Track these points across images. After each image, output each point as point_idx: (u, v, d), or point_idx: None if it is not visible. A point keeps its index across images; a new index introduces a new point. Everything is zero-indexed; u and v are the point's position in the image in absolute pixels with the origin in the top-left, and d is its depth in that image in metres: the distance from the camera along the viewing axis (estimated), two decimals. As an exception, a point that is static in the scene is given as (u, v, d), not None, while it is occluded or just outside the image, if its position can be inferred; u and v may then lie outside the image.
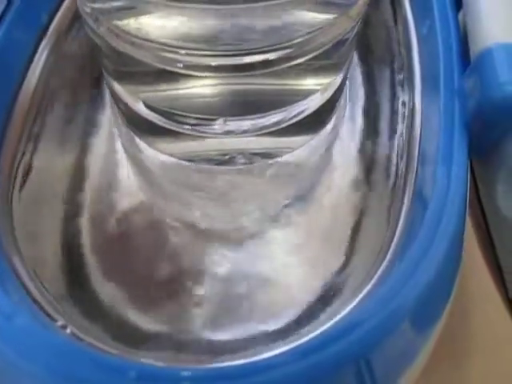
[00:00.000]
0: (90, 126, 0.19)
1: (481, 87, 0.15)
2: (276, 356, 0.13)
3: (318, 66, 0.18)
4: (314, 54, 0.16)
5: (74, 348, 0.12)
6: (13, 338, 0.12)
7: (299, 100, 0.18)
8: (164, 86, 0.17)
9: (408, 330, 0.14)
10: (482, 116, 0.16)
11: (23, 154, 0.17)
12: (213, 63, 0.16)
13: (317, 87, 0.18)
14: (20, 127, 0.18)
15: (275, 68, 0.16)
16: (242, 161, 0.19)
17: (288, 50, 0.16)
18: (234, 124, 0.17)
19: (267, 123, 0.18)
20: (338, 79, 0.19)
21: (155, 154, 0.19)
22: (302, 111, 0.18)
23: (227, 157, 0.18)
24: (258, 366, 0.13)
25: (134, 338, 0.16)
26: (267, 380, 0.12)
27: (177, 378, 0.12)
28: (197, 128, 0.17)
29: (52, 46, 0.19)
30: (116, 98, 0.19)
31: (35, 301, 0.15)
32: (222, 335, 0.16)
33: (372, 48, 0.21)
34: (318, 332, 0.15)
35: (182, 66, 0.16)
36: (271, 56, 0.16)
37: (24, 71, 0.18)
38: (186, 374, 0.12)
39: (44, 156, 0.18)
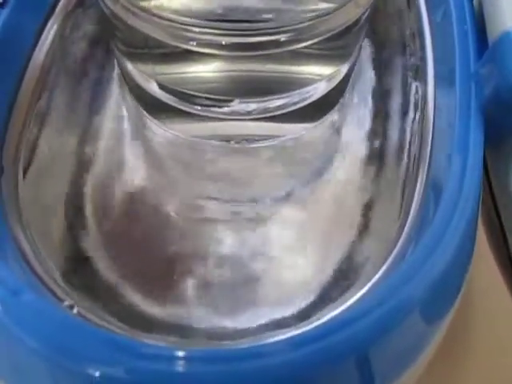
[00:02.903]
0: (96, 105, 0.19)
1: (498, 72, 0.15)
2: (268, 344, 0.13)
3: (325, 54, 0.18)
4: (322, 38, 0.17)
5: (81, 326, 0.12)
6: (19, 313, 0.12)
7: (304, 87, 0.18)
8: (177, 67, 0.17)
9: (416, 322, 0.14)
10: (498, 102, 0.15)
11: (30, 131, 0.17)
12: (223, 42, 0.16)
13: (322, 76, 0.18)
14: (27, 106, 0.17)
15: (282, 49, 0.16)
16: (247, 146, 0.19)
17: (294, 33, 0.16)
18: (241, 105, 0.17)
19: (271, 106, 0.18)
20: (344, 69, 0.19)
21: (163, 134, 0.19)
22: (306, 98, 0.18)
23: (233, 141, 0.19)
24: (247, 352, 0.12)
25: (139, 320, 0.15)
26: (255, 367, 0.12)
27: (173, 357, 0.12)
28: (207, 109, 0.17)
29: (59, 24, 0.19)
30: (127, 78, 0.19)
31: (42, 281, 0.15)
32: (228, 320, 0.16)
33: (383, 34, 0.21)
34: (324, 320, 0.15)
35: (195, 43, 0.16)
36: (278, 38, 0.16)
37: (31, 50, 0.18)
38: (179, 353, 0.12)
39: (50, 134, 0.18)
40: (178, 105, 0.18)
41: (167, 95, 0.18)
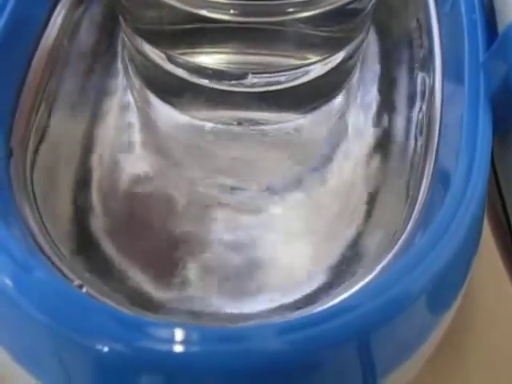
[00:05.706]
0: (105, 89, 0.19)
1: (508, 61, 0.15)
2: (255, 327, 0.13)
3: (323, 36, 0.18)
4: (327, 9, 0.17)
5: (91, 303, 0.12)
6: (30, 289, 0.12)
7: (301, 67, 0.18)
8: (188, 45, 0.18)
9: (420, 311, 0.14)
10: (507, 92, 0.15)
11: (39, 114, 0.17)
12: (231, 10, 0.16)
13: (319, 58, 0.18)
14: (35, 89, 0.17)
15: (287, 17, 0.17)
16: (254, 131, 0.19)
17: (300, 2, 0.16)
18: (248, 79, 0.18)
19: (272, 80, 0.18)
20: (342, 53, 0.19)
21: (170, 115, 0.19)
22: (303, 75, 0.18)
23: (239, 126, 0.19)
24: (233, 333, 0.12)
25: (145, 302, 0.16)
26: (237, 349, 0.12)
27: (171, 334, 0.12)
28: (216, 81, 0.18)
29: (68, 9, 0.19)
30: (136, 58, 0.19)
31: (51, 261, 0.15)
32: (233, 304, 0.16)
33: (391, 24, 0.21)
34: (325, 306, 0.15)
35: (205, 11, 0.16)
36: (283, 4, 0.16)
37: (40, 34, 0.18)
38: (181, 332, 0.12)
39: (59, 117, 0.18)
40: (188, 77, 0.18)
41: (177, 68, 0.18)
